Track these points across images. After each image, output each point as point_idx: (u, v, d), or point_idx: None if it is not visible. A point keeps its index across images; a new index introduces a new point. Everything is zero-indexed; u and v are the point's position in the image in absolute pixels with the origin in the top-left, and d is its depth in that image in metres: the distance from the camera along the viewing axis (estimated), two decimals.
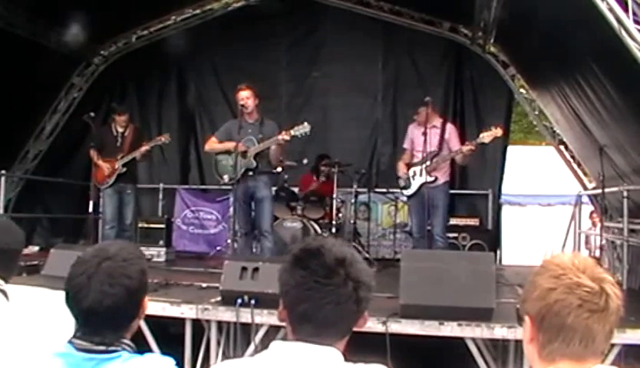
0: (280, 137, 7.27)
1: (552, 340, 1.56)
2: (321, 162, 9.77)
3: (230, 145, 7.43)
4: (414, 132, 8.05)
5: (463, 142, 7.85)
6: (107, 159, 8.45)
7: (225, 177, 7.55)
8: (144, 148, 8.44)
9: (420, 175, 7.67)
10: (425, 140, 7.55)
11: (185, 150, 11.40)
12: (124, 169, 8.44)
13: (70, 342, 1.92)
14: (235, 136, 7.44)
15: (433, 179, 7.65)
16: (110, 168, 8.42)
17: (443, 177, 7.81)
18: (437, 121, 8.00)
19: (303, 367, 1.61)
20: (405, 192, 8.00)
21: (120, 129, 8.62)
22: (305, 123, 7.36)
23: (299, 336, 1.68)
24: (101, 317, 1.90)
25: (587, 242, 12.01)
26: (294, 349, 1.65)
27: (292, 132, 7.28)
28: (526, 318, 1.63)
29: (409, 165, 7.94)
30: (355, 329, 1.75)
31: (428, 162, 7.63)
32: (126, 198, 8.65)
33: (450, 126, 8.08)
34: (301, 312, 1.67)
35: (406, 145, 8.21)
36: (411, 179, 7.83)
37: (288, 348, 1.66)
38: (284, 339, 1.75)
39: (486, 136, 7.50)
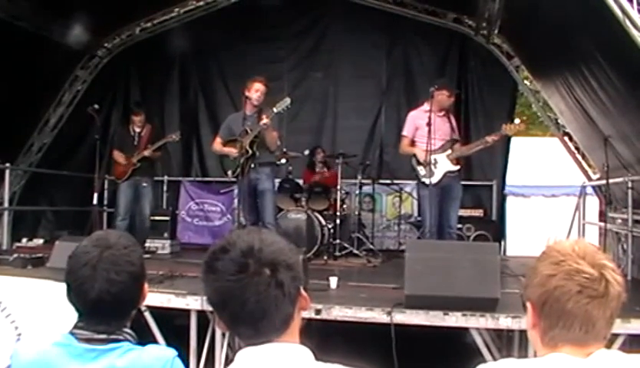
0: (261, 123, 7.25)
1: (553, 326, 1.57)
2: (312, 156, 9.87)
3: (232, 150, 7.54)
4: (417, 119, 7.43)
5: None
6: (125, 156, 8.84)
7: (230, 172, 7.64)
8: (150, 149, 8.77)
9: (443, 163, 7.26)
10: (432, 129, 7.01)
11: (187, 143, 11.41)
12: (139, 164, 8.77)
13: (71, 333, 1.91)
14: (236, 130, 7.50)
15: (457, 168, 7.36)
16: (127, 163, 8.78)
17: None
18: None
19: None
20: (426, 180, 7.14)
21: (137, 129, 8.97)
22: (287, 98, 7.38)
23: (243, 341, 1.58)
24: (108, 306, 1.91)
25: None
26: (259, 353, 1.54)
27: (274, 109, 7.29)
28: (528, 304, 1.64)
29: (427, 153, 7.08)
30: (301, 311, 1.62)
31: (449, 151, 7.32)
32: (142, 191, 8.90)
33: (451, 115, 7.71)
34: (228, 316, 1.57)
35: (406, 132, 7.51)
36: (433, 167, 7.16)
37: (254, 353, 1.54)
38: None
39: (509, 128, 7.25)
